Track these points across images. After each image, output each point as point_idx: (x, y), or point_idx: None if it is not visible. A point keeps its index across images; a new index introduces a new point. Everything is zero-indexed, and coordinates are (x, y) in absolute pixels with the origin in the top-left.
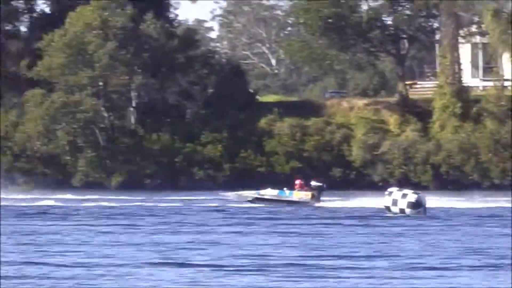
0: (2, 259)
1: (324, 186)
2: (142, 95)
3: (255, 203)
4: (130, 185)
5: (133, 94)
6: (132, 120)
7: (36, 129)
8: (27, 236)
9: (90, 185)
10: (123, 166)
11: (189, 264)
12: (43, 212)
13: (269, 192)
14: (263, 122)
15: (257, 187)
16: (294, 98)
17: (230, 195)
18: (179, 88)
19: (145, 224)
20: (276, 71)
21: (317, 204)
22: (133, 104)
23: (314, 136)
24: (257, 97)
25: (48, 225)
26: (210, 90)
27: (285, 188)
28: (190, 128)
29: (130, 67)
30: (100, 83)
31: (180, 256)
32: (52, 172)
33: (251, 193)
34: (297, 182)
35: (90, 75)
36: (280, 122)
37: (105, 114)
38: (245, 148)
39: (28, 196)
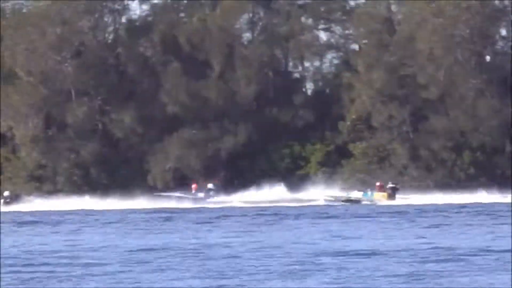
0: None
1: (398, 187)
2: None
3: (347, 202)
4: None
5: None
6: None
7: None
8: None
9: None
10: None
11: None
12: None
13: (355, 194)
14: None
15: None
16: None
17: (324, 196)
18: None
19: None
20: None
21: (391, 203)
22: None
23: None
24: None
25: None
26: None
27: (368, 190)
28: None
29: None
30: None
31: None
32: None
33: (342, 195)
34: (378, 183)
35: None
36: None
37: None
38: None
39: None
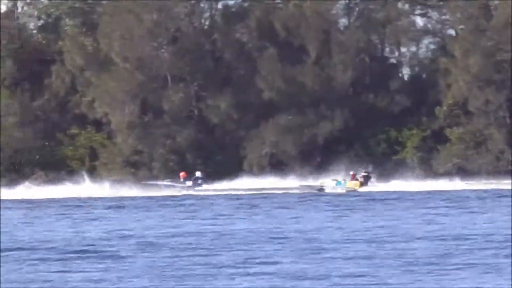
0: None
1: (371, 175)
2: None
3: (321, 192)
4: None
5: None
6: None
7: None
8: None
9: None
10: None
11: None
12: None
13: (329, 183)
14: None
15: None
16: None
17: (297, 185)
18: None
19: None
20: None
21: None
22: None
23: None
24: None
25: None
26: None
27: (342, 179)
28: None
29: None
30: None
31: None
32: None
33: (316, 184)
34: (351, 172)
35: None
36: None
37: None
38: None
39: None
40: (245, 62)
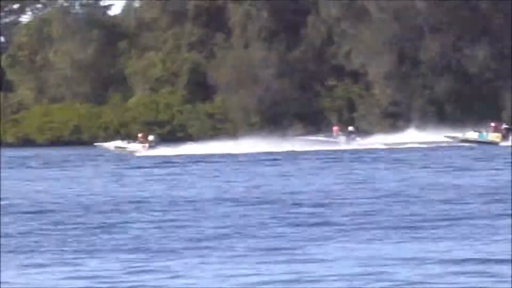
0: None
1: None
2: None
3: (464, 143)
4: None
5: None
6: None
7: None
8: None
9: None
10: None
11: None
12: None
13: (471, 135)
14: None
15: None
16: None
17: (444, 137)
18: None
19: None
20: None
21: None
22: None
23: None
24: None
25: None
26: None
27: (483, 130)
28: None
29: None
30: None
31: None
32: None
33: (459, 135)
34: (492, 124)
35: None
36: None
37: None
38: None
39: None
40: (502, 12)
